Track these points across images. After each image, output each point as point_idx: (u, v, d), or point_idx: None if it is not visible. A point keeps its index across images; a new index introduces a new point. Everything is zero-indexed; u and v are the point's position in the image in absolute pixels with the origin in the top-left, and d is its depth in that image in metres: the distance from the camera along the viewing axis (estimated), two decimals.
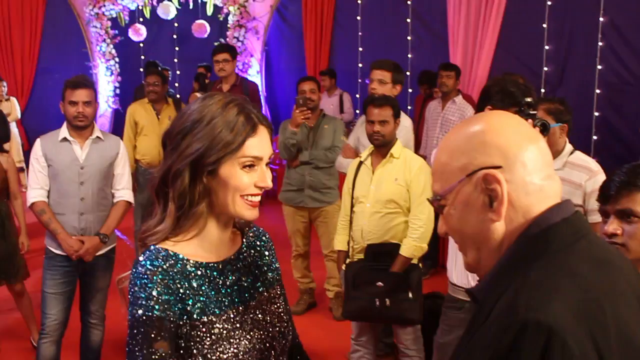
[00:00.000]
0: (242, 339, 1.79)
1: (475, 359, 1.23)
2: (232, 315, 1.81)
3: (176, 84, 12.33)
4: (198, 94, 9.93)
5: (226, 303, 1.81)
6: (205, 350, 1.73)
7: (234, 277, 1.86)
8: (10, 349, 5.46)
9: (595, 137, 7.87)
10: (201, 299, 1.76)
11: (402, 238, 4.25)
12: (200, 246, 1.80)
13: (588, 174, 3.49)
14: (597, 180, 3.53)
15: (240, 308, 1.84)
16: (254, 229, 2.03)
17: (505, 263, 1.32)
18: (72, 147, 4.35)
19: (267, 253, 2.01)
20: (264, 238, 2.03)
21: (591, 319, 1.17)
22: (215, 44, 11.03)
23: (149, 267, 1.71)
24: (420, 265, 4.41)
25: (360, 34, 10.35)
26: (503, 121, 1.38)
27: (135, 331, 1.67)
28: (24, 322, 5.60)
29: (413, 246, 4.19)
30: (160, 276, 1.70)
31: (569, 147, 3.73)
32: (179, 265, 1.75)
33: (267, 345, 1.86)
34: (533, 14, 8.37)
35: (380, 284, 4.17)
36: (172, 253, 1.75)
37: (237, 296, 1.85)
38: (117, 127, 10.87)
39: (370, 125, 4.28)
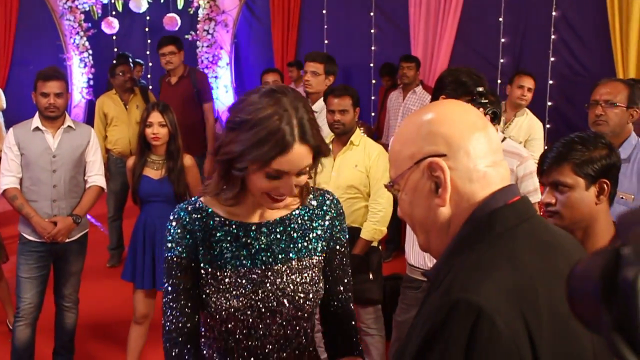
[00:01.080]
0: (244, 296, 1.86)
1: (417, 334, 1.24)
2: (244, 272, 1.89)
3: (149, 75, 12.23)
4: None
5: (244, 261, 1.90)
6: (209, 296, 1.87)
7: (265, 239, 1.92)
8: None
9: (548, 126, 7.98)
10: (215, 252, 1.89)
11: (362, 222, 4.29)
12: (236, 208, 1.91)
13: (519, 159, 3.56)
14: (527, 165, 3.64)
15: (259, 268, 1.90)
16: (322, 195, 2.03)
17: (452, 246, 1.35)
18: (44, 136, 4.34)
19: (321, 222, 1.99)
20: (325, 206, 2.01)
21: (523, 301, 1.18)
22: (187, 36, 10.99)
23: (177, 215, 1.92)
24: (380, 247, 4.46)
25: (325, 27, 10.35)
26: (450, 110, 1.40)
27: (164, 266, 1.92)
28: (1, 306, 5.58)
29: (373, 229, 4.23)
30: (183, 223, 1.90)
31: (500, 135, 3.84)
32: (205, 218, 1.90)
33: (273, 308, 1.88)
34: (490, 8, 8.44)
35: None
36: (205, 207, 1.92)
37: (261, 257, 1.91)
38: (90, 117, 10.73)
39: (330, 115, 4.31)
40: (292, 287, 1.90)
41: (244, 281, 1.88)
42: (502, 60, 8.43)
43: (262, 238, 1.92)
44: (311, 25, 10.55)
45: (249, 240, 1.91)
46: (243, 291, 1.87)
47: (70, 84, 11.49)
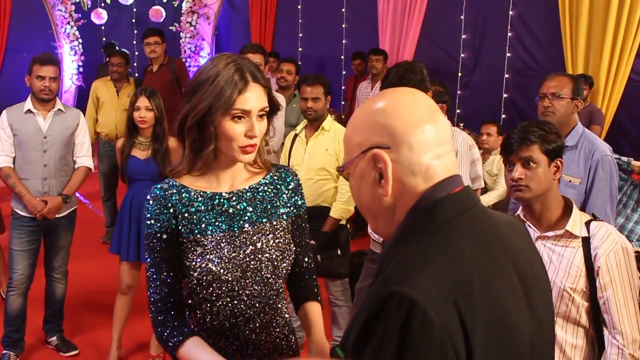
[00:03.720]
0: (226, 258, 1.88)
1: (357, 323, 1.20)
2: (222, 236, 1.91)
3: (135, 64, 12.10)
4: None
5: (222, 226, 1.92)
6: (192, 261, 1.88)
7: (238, 206, 1.95)
8: None
9: (504, 116, 8.06)
10: (193, 221, 1.91)
11: (332, 202, 4.29)
12: (209, 180, 1.96)
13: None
14: (472, 152, 3.68)
15: (236, 231, 1.92)
16: (282, 169, 2.09)
17: (396, 235, 1.31)
18: (36, 118, 4.29)
19: (285, 191, 2.04)
20: (288, 179, 2.06)
21: (457, 291, 1.15)
22: (171, 27, 10.89)
23: (153, 194, 1.93)
24: (348, 226, 4.47)
25: (300, 21, 10.32)
26: (400, 102, 1.32)
27: (145, 242, 1.95)
28: None
29: (341, 209, 4.24)
30: (159, 200, 1.91)
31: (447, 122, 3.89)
32: (180, 193, 1.92)
33: (252, 267, 1.90)
34: (452, 6, 8.48)
35: (312, 242, 4.22)
36: (178, 184, 1.94)
37: (236, 221, 1.93)
38: (80, 102, 10.66)
39: (303, 102, 4.30)
40: (267, 246, 1.93)
41: (223, 244, 1.90)
42: (462, 55, 8.48)
43: (235, 205, 1.95)
44: (287, 19, 10.53)
45: (223, 208, 1.94)
46: (225, 252, 1.89)
47: (61, 70, 11.30)
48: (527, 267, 1.33)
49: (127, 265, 4.31)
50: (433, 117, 1.31)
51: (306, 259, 2.11)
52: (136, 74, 10.67)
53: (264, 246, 1.93)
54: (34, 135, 4.28)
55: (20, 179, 4.27)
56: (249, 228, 1.94)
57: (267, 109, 1.89)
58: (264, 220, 1.96)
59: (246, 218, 1.94)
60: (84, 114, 4.64)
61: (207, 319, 1.94)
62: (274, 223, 1.98)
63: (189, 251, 1.90)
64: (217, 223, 1.92)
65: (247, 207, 1.96)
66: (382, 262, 1.31)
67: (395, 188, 1.29)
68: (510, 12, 7.97)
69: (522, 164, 2.52)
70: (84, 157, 4.47)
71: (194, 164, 1.91)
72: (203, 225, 1.91)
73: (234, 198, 1.95)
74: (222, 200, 1.94)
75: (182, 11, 11.34)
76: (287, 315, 2.08)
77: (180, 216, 1.91)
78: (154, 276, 1.92)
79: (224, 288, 1.89)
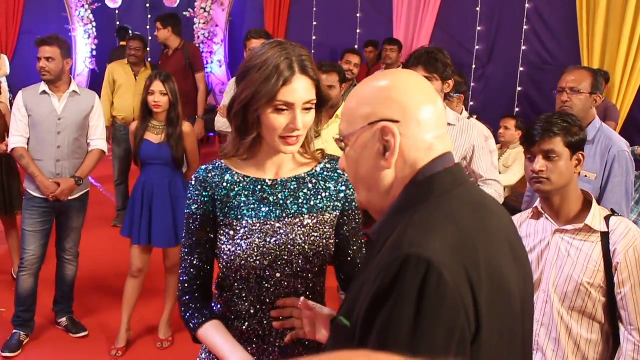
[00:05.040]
0: (256, 245, 1.85)
1: (365, 291, 1.23)
2: (257, 222, 1.87)
3: (148, 49, 12.08)
4: None
5: (259, 213, 1.88)
6: (224, 244, 1.87)
7: (280, 194, 1.91)
8: None
9: (517, 109, 7.99)
10: (232, 205, 1.89)
11: None
12: (254, 165, 1.93)
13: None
14: (489, 144, 3.65)
15: (272, 220, 1.88)
16: (335, 162, 1.99)
17: (395, 207, 1.35)
18: (51, 99, 4.29)
19: (333, 184, 1.96)
20: (335, 174, 1.97)
21: (465, 255, 1.20)
22: (185, 13, 10.85)
23: (196, 174, 1.93)
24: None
25: (315, 9, 10.26)
26: (408, 80, 1.38)
27: (183, 222, 1.95)
28: (5, 258, 5.56)
29: None
30: (200, 182, 1.91)
31: (465, 114, 3.84)
32: (223, 174, 1.92)
33: (283, 258, 1.86)
34: None
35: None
36: (224, 166, 1.93)
37: (274, 210, 1.89)
38: (93, 85, 10.62)
39: None
40: (302, 239, 1.87)
41: (257, 231, 1.87)
42: (477, 47, 8.40)
43: (277, 193, 1.91)
44: (301, 7, 10.46)
45: (264, 195, 1.90)
46: (256, 240, 1.86)
47: (74, 53, 11.32)
48: (513, 238, 1.40)
49: (138, 248, 4.31)
50: (436, 101, 1.38)
51: (350, 252, 2.00)
52: (149, 59, 10.65)
53: (298, 239, 1.87)
54: (49, 116, 4.27)
55: (33, 159, 4.26)
56: (286, 219, 1.89)
57: (314, 102, 1.82)
58: (304, 212, 1.91)
59: (286, 208, 1.90)
60: (99, 96, 4.62)
61: (235, 302, 1.93)
62: (315, 216, 1.91)
63: (223, 233, 1.89)
64: (254, 209, 1.89)
65: (289, 197, 1.91)
66: (378, 235, 1.35)
67: (398, 162, 1.33)
68: (527, 5, 7.89)
69: (544, 156, 2.49)
70: (98, 140, 4.46)
71: (238, 148, 1.88)
72: (240, 210, 1.89)
73: (277, 186, 1.91)
74: (264, 187, 1.91)
75: None
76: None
77: (218, 199, 1.90)
78: (186, 257, 1.94)
79: (252, 274, 1.87)
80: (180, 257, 1.98)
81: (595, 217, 2.45)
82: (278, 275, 1.87)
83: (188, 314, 1.92)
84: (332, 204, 1.95)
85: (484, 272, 1.21)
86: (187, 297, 1.94)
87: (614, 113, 6.55)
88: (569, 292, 2.43)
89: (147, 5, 12.38)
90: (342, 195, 1.97)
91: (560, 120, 2.50)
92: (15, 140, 4.28)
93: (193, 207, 1.91)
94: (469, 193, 1.36)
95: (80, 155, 4.40)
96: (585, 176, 3.42)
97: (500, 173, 5.29)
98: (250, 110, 1.79)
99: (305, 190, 1.93)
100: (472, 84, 8.36)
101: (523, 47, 7.98)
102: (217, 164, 1.95)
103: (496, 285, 1.23)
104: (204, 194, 1.90)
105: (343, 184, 1.98)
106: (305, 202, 1.92)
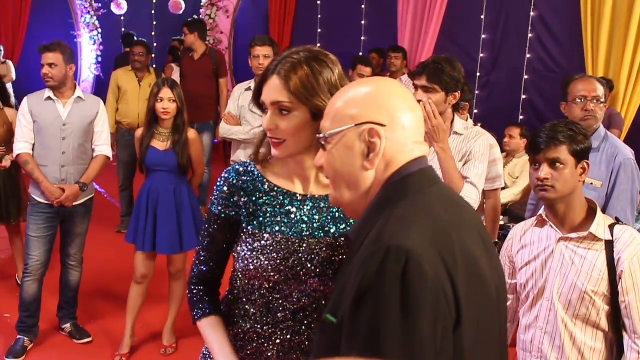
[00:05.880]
0: (273, 260, 1.80)
1: (349, 286, 1.26)
2: (279, 237, 1.82)
3: (153, 55, 12.11)
4: (173, 65, 9.86)
5: (282, 228, 1.83)
6: (242, 251, 1.84)
7: (308, 212, 1.85)
8: None
9: (522, 117, 8.00)
10: (258, 214, 1.84)
11: None
12: (285, 176, 1.87)
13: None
14: (494, 152, 3.64)
15: (293, 237, 1.82)
16: None
17: (373, 205, 1.40)
18: (56, 105, 4.31)
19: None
20: None
21: (442, 245, 1.25)
22: (190, 20, 10.89)
23: (227, 174, 1.88)
24: None
25: (319, 16, 10.29)
26: (393, 88, 1.44)
27: (205, 217, 1.93)
28: (10, 263, 5.58)
29: None
30: (231, 182, 1.86)
31: (470, 121, 3.84)
32: (254, 181, 1.86)
33: (299, 277, 1.80)
34: (473, 5, 8.41)
35: None
36: (256, 172, 1.88)
37: (299, 227, 1.83)
38: (98, 91, 10.67)
39: None
40: (322, 262, 1.81)
41: (278, 246, 1.81)
42: (481, 55, 8.41)
43: (305, 210, 1.85)
44: (306, 14, 10.48)
45: (292, 209, 1.84)
46: (275, 255, 1.80)
47: (79, 59, 11.36)
48: (484, 233, 1.46)
49: (142, 255, 4.32)
50: (418, 109, 1.46)
51: None
52: (154, 65, 10.69)
53: (316, 261, 1.81)
54: (54, 122, 4.28)
55: (38, 165, 4.28)
56: (309, 238, 1.82)
57: (286, 104, 1.71)
58: (329, 233, 1.84)
59: (311, 227, 1.84)
60: (103, 102, 4.64)
61: (243, 302, 1.90)
62: (337, 240, 1.84)
63: (243, 241, 1.84)
64: (279, 223, 1.83)
65: (315, 216, 1.85)
66: (357, 235, 1.40)
67: (380, 163, 1.39)
68: (532, 13, 7.91)
69: (549, 164, 2.49)
70: (103, 146, 4.47)
71: (258, 152, 1.88)
72: (265, 222, 1.83)
73: (307, 202, 1.86)
74: (293, 201, 1.85)
75: (202, 4, 11.34)
76: None
77: (244, 207, 1.85)
78: (200, 252, 1.94)
79: (265, 285, 1.83)
80: (196, 251, 1.98)
81: (600, 225, 2.45)
82: (289, 292, 1.83)
83: (192, 304, 1.97)
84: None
85: (459, 259, 1.26)
86: (194, 288, 1.97)
87: (618, 121, 6.56)
88: (573, 300, 2.43)
89: (153, 12, 12.43)
90: None
91: (565, 128, 2.51)
92: (21, 146, 4.29)
93: (217, 207, 1.87)
94: (442, 191, 1.43)
95: (85, 161, 4.41)
96: (591, 184, 3.42)
97: (506, 183, 5.30)
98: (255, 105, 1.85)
99: (335, 212, 1.86)
100: (477, 92, 8.37)
101: (528, 55, 7.99)
102: (250, 168, 1.88)
103: (471, 272, 1.29)
104: (231, 199, 1.85)
105: None
106: (332, 224, 1.85)
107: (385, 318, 1.18)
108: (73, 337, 4.56)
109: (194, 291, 1.97)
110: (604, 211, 3.33)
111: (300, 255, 1.80)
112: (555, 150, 2.48)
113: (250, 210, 1.85)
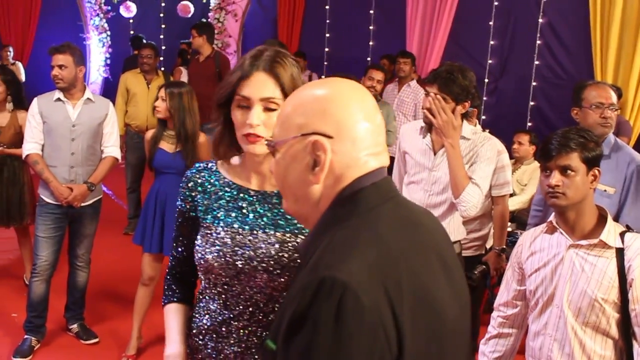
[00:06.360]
0: (223, 254, 1.84)
1: (285, 316, 1.19)
2: (229, 232, 1.86)
3: (161, 58, 12.14)
4: (181, 68, 9.88)
5: (233, 223, 1.87)
6: (197, 245, 1.89)
7: (259, 207, 1.88)
8: (5, 286, 5.43)
9: (530, 124, 8.00)
10: (213, 207, 1.90)
11: None
12: (242, 172, 1.91)
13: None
14: (502, 158, 3.64)
15: (244, 232, 1.85)
16: None
17: (321, 223, 1.31)
18: (65, 106, 4.32)
19: None
20: None
21: (385, 274, 1.16)
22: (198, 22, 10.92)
23: (188, 173, 1.97)
24: None
25: (328, 21, 10.31)
26: (348, 94, 1.32)
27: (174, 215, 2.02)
28: (18, 263, 5.59)
29: None
30: (188, 181, 1.94)
31: (479, 127, 3.85)
32: (211, 177, 1.93)
33: (246, 272, 1.82)
34: (481, 12, 8.43)
35: None
36: (214, 169, 1.94)
37: (249, 222, 1.86)
38: (106, 93, 10.70)
39: None
40: (268, 257, 1.82)
41: (228, 240, 1.85)
42: (490, 61, 8.44)
43: (257, 205, 1.88)
44: (315, 19, 10.52)
45: (244, 204, 1.88)
46: (225, 250, 1.84)
47: (88, 62, 11.41)
48: (446, 253, 1.35)
49: (150, 256, 4.32)
50: (375, 117, 1.33)
51: None
52: (162, 68, 10.73)
53: (264, 256, 1.83)
54: (63, 123, 4.30)
55: (48, 166, 4.29)
56: (258, 233, 1.85)
57: (275, 101, 1.76)
58: (277, 230, 1.86)
59: (261, 222, 1.86)
60: (113, 104, 4.66)
61: (206, 299, 1.94)
62: (286, 236, 1.86)
63: (200, 234, 1.90)
64: (230, 218, 1.87)
65: (267, 212, 1.87)
66: (305, 250, 1.32)
67: (327, 177, 1.29)
68: (540, 20, 7.92)
69: (560, 171, 2.48)
70: (112, 147, 4.48)
71: (218, 149, 1.91)
72: (217, 215, 1.88)
73: (259, 197, 1.89)
74: (246, 196, 1.89)
75: (210, 7, 11.38)
76: None
77: (200, 201, 1.91)
78: (173, 244, 2.02)
79: (219, 280, 1.87)
80: None
81: (610, 232, 2.44)
82: (241, 288, 1.85)
83: (164, 290, 2.06)
84: (299, 225, 1.88)
85: (406, 290, 1.17)
86: (168, 277, 2.07)
87: (626, 128, 6.54)
88: (583, 307, 2.42)
89: (161, 14, 12.49)
90: None
91: (577, 135, 2.50)
92: (30, 146, 4.31)
93: (181, 204, 1.96)
94: (397, 209, 1.32)
95: (93, 162, 4.42)
96: (605, 190, 3.41)
97: (514, 190, 5.28)
98: (216, 101, 1.84)
99: (281, 208, 1.87)
100: (484, 98, 8.37)
101: (536, 62, 8.01)
102: (209, 165, 1.96)
103: (421, 302, 1.20)
104: (187, 193, 1.94)
105: None
106: (281, 219, 1.87)
107: (316, 353, 1.11)
108: (80, 337, 4.56)
109: (166, 279, 2.08)
110: (617, 218, 3.33)
111: (247, 249, 1.83)
112: (567, 157, 2.47)
113: (206, 204, 1.91)
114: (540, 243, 2.61)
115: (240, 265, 1.83)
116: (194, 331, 1.96)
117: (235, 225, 1.86)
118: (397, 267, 1.18)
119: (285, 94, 1.74)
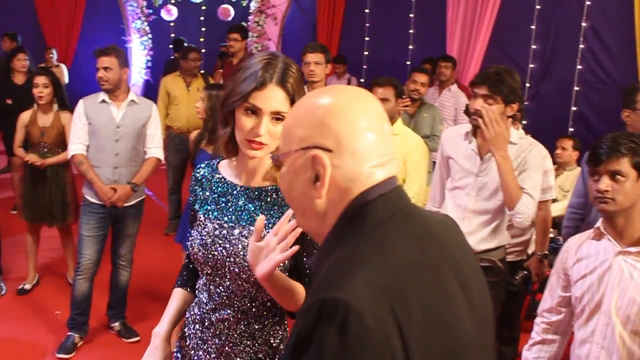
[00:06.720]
0: (207, 246, 1.96)
1: (292, 336, 1.16)
2: (215, 225, 1.98)
3: (201, 61, 12.29)
4: (221, 71, 9.97)
5: (219, 216, 1.99)
6: (192, 237, 2.02)
7: (242, 202, 1.98)
8: (49, 284, 5.53)
9: (571, 129, 7.88)
10: (205, 201, 2.04)
11: None
12: (235, 169, 2.03)
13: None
14: (545, 163, 3.61)
15: (226, 226, 1.96)
16: None
17: (328, 240, 1.28)
18: (110, 108, 4.39)
19: (284, 204, 1.96)
20: None
21: (392, 294, 1.12)
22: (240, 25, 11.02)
23: (195, 169, 2.12)
24: None
25: (367, 25, 10.30)
26: (349, 103, 1.27)
27: None
28: (61, 262, 5.69)
29: None
30: (194, 177, 2.09)
31: (522, 131, 3.85)
32: (212, 174, 2.06)
33: (226, 265, 1.93)
34: (523, 15, 8.34)
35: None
36: (215, 166, 2.07)
37: (231, 216, 1.98)
38: (147, 96, 10.73)
39: None
40: (240, 250, 1.91)
41: (211, 232, 1.97)
42: (531, 66, 8.33)
43: (240, 200, 1.98)
44: (354, 23, 10.50)
45: (230, 198, 2.00)
46: (208, 242, 1.96)
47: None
48: (463, 265, 1.30)
49: None
50: (381, 126, 1.28)
51: (306, 280, 1.96)
52: (202, 70, 10.84)
53: (241, 251, 1.90)
54: (108, 124, 4.37)
55: (92, 166, 4.36)
56: (237, 228, 1.95)
57: (284, 114, 1.84)
58: (252, 224, 1.92)
59: (241, 217, 1.96)
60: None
61: (199, 289, 2.06)
62: (264, 232, 1.89)
63: (195, 225, 2.04)
64: (217, 211, 2.00)
65: (247, 207, 1.98)
66: (317, 267, 1.28)
67: (330, 192, 1.25)
68: (584, 24, 7.80)
69: (610, 176, 2.45)
70: (155, 148, 4.54)
71: (227, 147, 1.98)
72: (208, 209, 2.02)
73: (243, 193, 1.99)
74: (234, 192, 2.00)
75: (250, 11, 11.46)
76: (267, 330, 2.01)
77: (200, 195, 2.05)
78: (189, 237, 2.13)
79: (206, 273, 1.99)
80: None
81: None
82: (219, 280, 1.96)
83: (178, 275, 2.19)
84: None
85: (416, 308, 1.13)
86: (184, 265, 2.20)
87: None
88: (632, 315, 2.38)
89: (202, 18, 12.62)
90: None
91: (627, 140, 2.46)
92: (75, 147, 4.39)
93: (190, 197, 2.10)
94: (407, 221, 1.26)
95: (137, 163, 4.49)
96: None
97: (555, 196, 5.21)
98: (225, 105, 1.91)
99: (263, 203, 1.97)
100: (526, 103, 8.27)
101: (579, 66, 7.89)
102: (212, 162, 2.10)
103: (432, 320, 1.16)
104: (192, 187, 2.08)
105: None
106: (259, 213, 1.94)
107: None
108: (121, 335, 4.63)
109: (184, 265, 2.20)
110: None
111: (224, 242, 1.94)
112: (617, 162, 2.44)
113: (201, 198, 2.05)
114: (587, 249, 2.58)
115: (217, 258, 1.94)
116: (187, 320, 2.09)
117: (219, 219, 1.99)
118: (405, 286, 1.14)
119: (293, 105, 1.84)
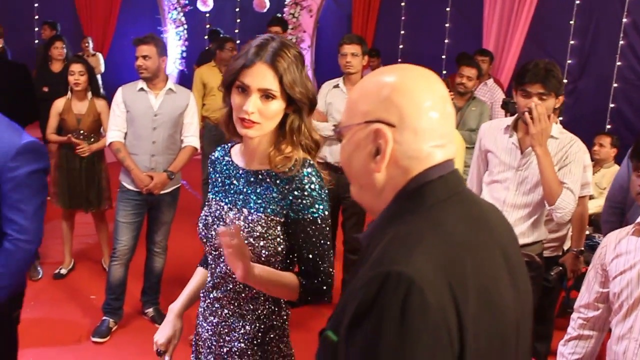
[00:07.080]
0: (209, 226, 2.05)
1: (348, 308, 1.17)
2: (218, 207, 2.05)
3: (235, 52, 12.34)
4: None
5: (222, 198, 2.06)
6: (202, 215, 2.10)
7: (240, 184, 2.03)
8: (84, 269, 5.63)
9: (609, 126, 7.78)
10: (214, 183, 2.12)
11: None
12: (241, 151, 2.08)
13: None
14: (585, 158, 3.57)
15: (225, 208, 2.03)
16: (302, 170, 1.95)
17: (385, 215, 1.30)
18: (148, 96, 4.44)
19: (276, 189, 1.95)
20: (296, 180, 1.94)
21: (451, 271, 1.14)
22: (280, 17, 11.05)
23: (212, 153, 2.19)
24: None
25: (403, 18, 10.25)
26: (415, 82, 1.28)
27: None
28: (96, 247, 5.78)
29: None
30: (209, 160, 2.16)
31: (560, 126, 3.81)
32: (224, 157, 2.12)
33: (217, 245, 2.00)
34: (562, 10, 8.24)
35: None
36: (228, 150, 2.14)
37: (229, 198, 2.04)
38: (181, 86, 10.93)
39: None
40: (246, 231, 1.96)
41: (213, 214, 2.05)
42: (569, 61, 8.23)
43: (240, 182, 2.03)
44: (390, 16, 10.46)
45: (232, 180, 2.05)
46: (209, 222, 2.05)
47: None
48: (511, 252, 1.33)
49: None
50: (444, 107, 1.29)
51: (311, 265, 1.98)
52: None
53: (245, 230, 1.95)
54: (146, 112, 4.42)
55: (129, 153, 4.42)
56: (234, 209, 2.01)
57: (274, 92, 1.88)
58: (249, 207, 1.97)
59: (237, 199, 2.01)
60: None
61: (209, 269, 2.13)
62: (252, 216, 1.95)
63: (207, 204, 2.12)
64: (222, 192, 2.06)
65: (244, 189, 2.01)
66: (369, 241, 1.30)
67: (389, 168, 1.27)
68: (624, 20, 7.69)
69: None
70: (192, 137, 4.58)
71: (228, 127, 2.02)
72: (215, 190, 2.09)
73: (243, 175, 2.04)
74: (236, 174, 2.05)
75: (286, 2, 11.48)
76: (261, 311, 2.04)
77: (213, 176, 2.13)
78: None
79: (212, 254, 2.07)
80: None
81: None
82: (218, 260, 2.03)
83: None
84: (273, 207, 1.95)
85: (471, 288, 1.15)
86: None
87: None
88: None
89: (237, 9, 12.66)
90: (287, 202, 1.95)
91: None
92: (113, 134, 4.45)
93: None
94: (463, 203, 1.29)
95: (173, 151, 4.53)
96: None
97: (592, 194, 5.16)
98: (221, 84, 1.97)
99: (257, 186, 2.00)
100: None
101: (618, 63, 7.78)
102: (226, 146, 2.15)
103: (485, 302, 1.18)
104: (209, 169, 2.15)
105: (291, 191, 1.94)
106: (252, 196, 1.99)
107: (380, 349, 1.09)
108: (155, 321, 4.69)
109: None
110: None
111: (222, 222, 2.00)
112: None
113: (214, 180, 2.12)
114: (626, 245, 2.55)
115: (215, 238, 2.00)
116: (201, 296, 2.17)
117: (222, 200, 2.05)
118: (463, 265, 1.17)
119: (284, 86, 1.88)
